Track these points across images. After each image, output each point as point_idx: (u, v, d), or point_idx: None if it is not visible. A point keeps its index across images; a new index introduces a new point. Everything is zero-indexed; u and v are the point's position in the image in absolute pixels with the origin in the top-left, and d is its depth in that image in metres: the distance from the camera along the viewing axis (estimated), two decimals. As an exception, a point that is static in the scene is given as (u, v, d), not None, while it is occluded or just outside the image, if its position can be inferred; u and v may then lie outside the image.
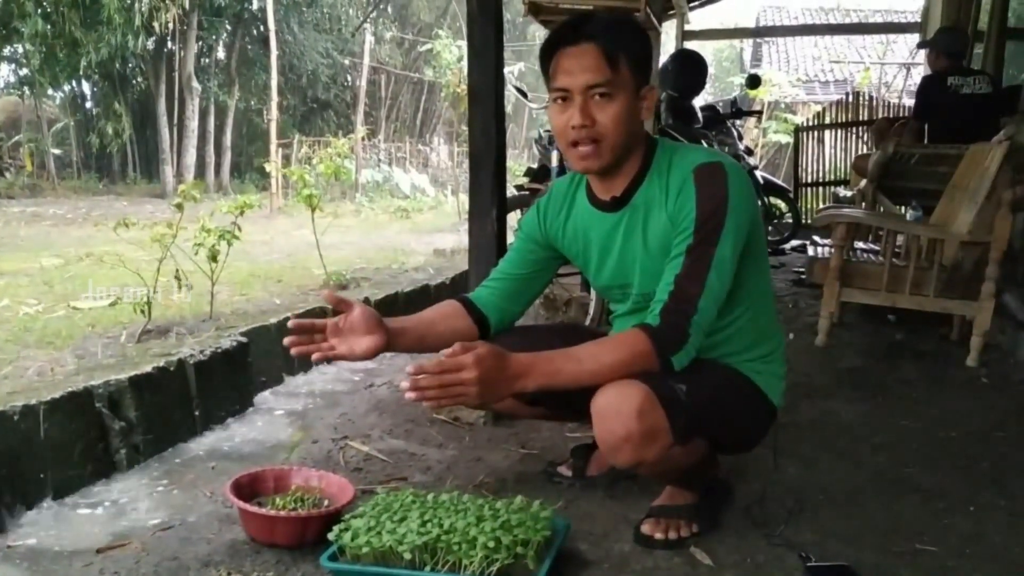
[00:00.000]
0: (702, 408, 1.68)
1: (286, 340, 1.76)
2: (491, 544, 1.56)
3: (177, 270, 3.27)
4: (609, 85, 1.68)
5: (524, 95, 4.22)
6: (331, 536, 1.65)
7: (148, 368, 2.40)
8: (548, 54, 1.75)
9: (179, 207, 3.21)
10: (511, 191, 3.91)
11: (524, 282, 2.00)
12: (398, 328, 1.85)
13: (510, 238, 3.09)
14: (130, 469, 2.24)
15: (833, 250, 3.64)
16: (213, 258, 3.36)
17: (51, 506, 2.01)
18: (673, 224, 1.72)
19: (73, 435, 2.11)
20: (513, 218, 4.20)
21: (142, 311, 3.08)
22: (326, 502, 1.88)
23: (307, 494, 1.89)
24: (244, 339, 2.84)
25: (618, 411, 1.60)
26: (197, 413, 2.54)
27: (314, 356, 1.76)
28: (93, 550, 1.79)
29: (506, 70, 2.95)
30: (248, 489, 1.90)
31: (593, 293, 3.62)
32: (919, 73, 13.55)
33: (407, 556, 1.57)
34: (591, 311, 3.64)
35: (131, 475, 2.22)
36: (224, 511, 1.97)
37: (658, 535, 1.81)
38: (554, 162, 3.84)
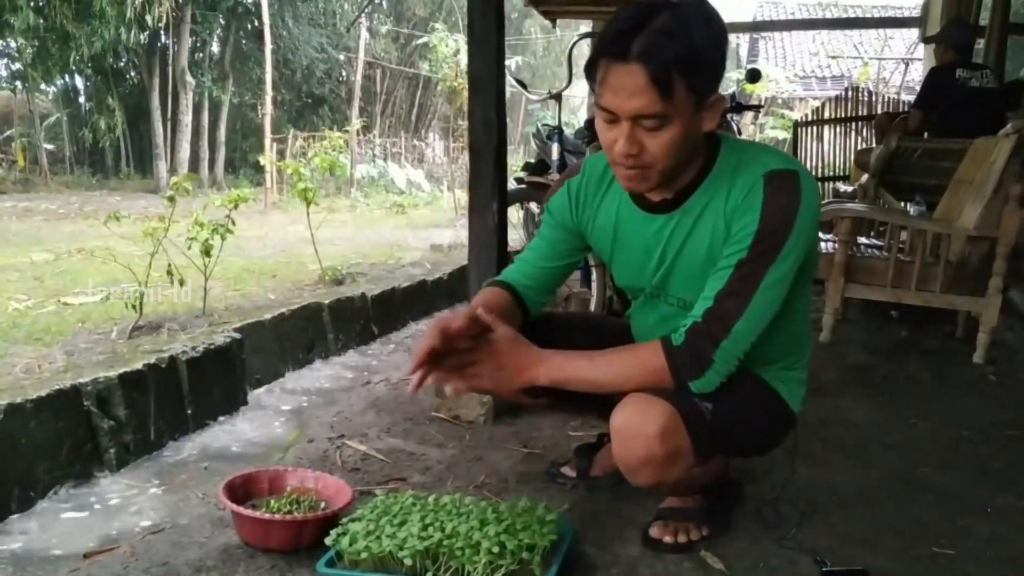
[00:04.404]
0: (726, 426, 1.59)
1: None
2: (495, 549, 1.50)
3: (169, 265, 3.20)
4: (660, 116, 1.44)
5: (524, 86, 4.15)
6: (328, 541, 1.58)
7: (138, 365, 2.32)
8: (596, 59, 1.50)
9: (171, 200, 3.14)
10: (511, 184, 3.83)
11: (556, 272, 1.85)
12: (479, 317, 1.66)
13: (511, 233, 3.04)
14: (120, 469, 2.17)
15: (837, 245, 3.59)
16: (206, 252, 3.29)
17: (37, 508, 1.94)
18: (728, 229, 1.55)
19: (60, 434, 2.04)
20: (513, 213, 4.13)
21: (133, 306, 3.02)
22: (323, 504, 1.81)
23: (303, 496, 1.82)
24: (238, 335, 2.77)
25: (639, 431, 1.52)
26: (189, 411, 2.47)
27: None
28: (80, 554, 1.72)
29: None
30: (242, 491, 1.83)
31: (594, 289, 3.56)
32: (917, 69, 13.53)
33: (408, 562, 1.50)
34: (592, 307, 3.57)
35: (121, 476, 2.15)
36: (217, 514, 1.90)
37: (667, 538, 1.75)
38: (554, 155, 3.77)
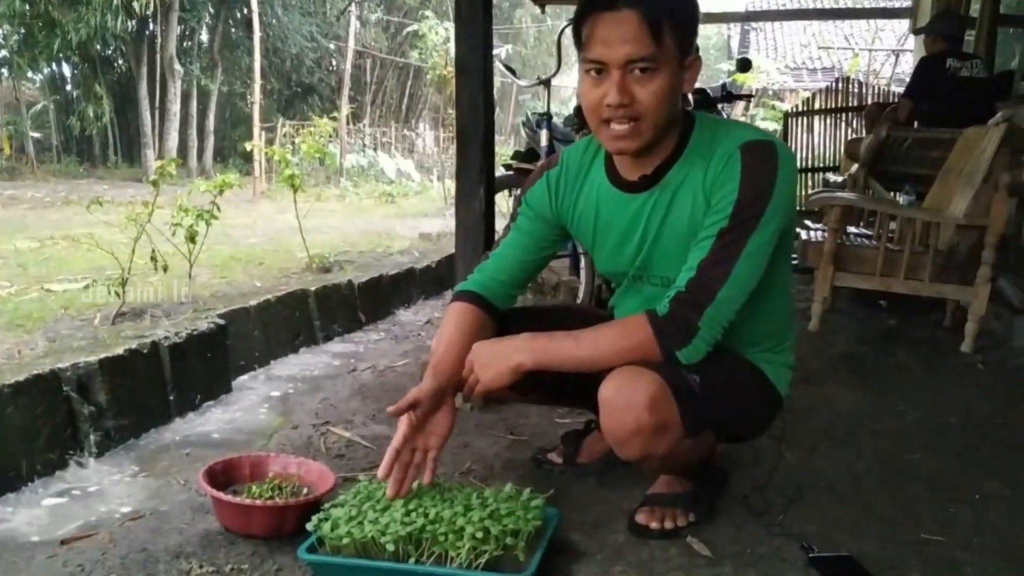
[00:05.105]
0: (714, 400, 1.58)
1: (386, 479, 1.60)
2: (479, 535, 1.48)
3: (153, 251, 3.16)
4: (651, 59, 1.48)
5: (512, 72, 4.12)
6: (309, 526, 1.55)
7: (119, 350, 2.29)
8: (581, 18, 1.54)
9: (154, 184, 3.10)
10: (499, 171, 3.80)
11: (533, 265, 1.84)
12: (450, 371, 1.69)
13: (498, 222, 3.01)
14: (100, 456, 2.14)
15: (827, 234, 3.57)
16: (191, 239, 3.25)
17: (15, 494, 1.91)
18: (708, 202, 1.56)
19: (39, 420, 2.01)
20: (501, 200, 4.11)
21: (116, 293, 2.98)
22: (305, 490, 1.78)
23: (285, 482, 1.79)
24: (222, 321, 2.74)
25: (628, 402, 1.50)
26: (172, 398, 2.44)
27: (425, 480, 1.65)
28: (58, 540, 1.69)
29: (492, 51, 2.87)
30: (223, 477, 1.80)
31: (583, 276, 3.54)
32: (907, 60, 13.54)
33: (390, 547, 1.48)
34: (580, 295, 3.55)
35: (101, 462, 2.12)
36: (198, 500, 1.87)
37: (653, 525, 1.73)
38: (543, 142, 3.74)
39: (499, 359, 1.60)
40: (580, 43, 1.56)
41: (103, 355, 2.24)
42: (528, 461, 2.13)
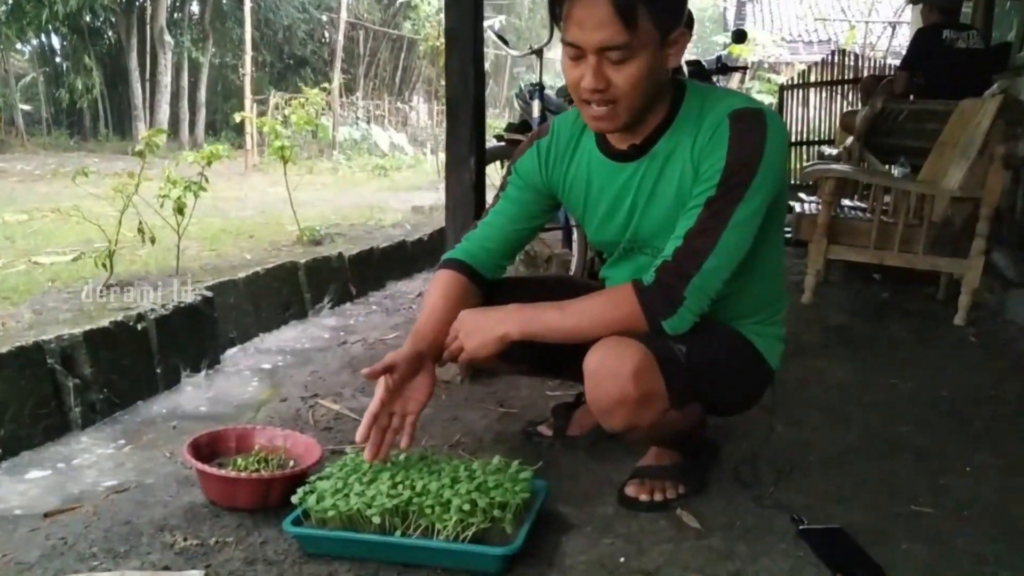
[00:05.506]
0: (701, 372, 1.57)
1: (363, 443, 1.58)
2: (466, 507, 1.46)
3: (140, 223, 3.12)
4: (625, 46, 1.44)
5: (505, 42, 4.06)
6: (295, 499, 1.54)
7: (105, 322, 2.27)
8: None
9: (141, 155, 3.05)
10: (491, 142, 3.76)
11: (522, 234, 1.83)
12: (431, 336, 1.67)
13: (489, 194, 2.98)
14: (85, 429, 2.13)
15: (821, 206, 3.55)
16: (179, 211, 3.21)
17: (-1, 467, 1.89)
18: (696, 171, 1.54)
19: (23, 393, 1.99)
20: (492, 172, 4.07)
21: (104, 265, 2.95)
22: (292, 463, 1.77)
23: (271, 454, 1.77)
24: (209, 294, 2.72)
25: (613, 372, 1.49)
26: (158, 370, 2.42)
27: (403, 443, 1.63)
28: (41, 514, 1.68)
29: (485, 22, 2.81)
30: (208, 449, 1.78)
31: (575, 249, 3.51)
32: (904, 32, 13.45)
33: (376, 520, 1.46)
34: (573, 268, 3.53)
35: (86, 435, 2.10)
36: (184, 473, 1.86)
37: (643, 497, 1.71)
38: (535, 113, 3.70)
39: (485, 328, 1.59)
40: (558, 21, 1.52)
41: (88, 327, 2.21)
42: (518, 434, 2.12)
